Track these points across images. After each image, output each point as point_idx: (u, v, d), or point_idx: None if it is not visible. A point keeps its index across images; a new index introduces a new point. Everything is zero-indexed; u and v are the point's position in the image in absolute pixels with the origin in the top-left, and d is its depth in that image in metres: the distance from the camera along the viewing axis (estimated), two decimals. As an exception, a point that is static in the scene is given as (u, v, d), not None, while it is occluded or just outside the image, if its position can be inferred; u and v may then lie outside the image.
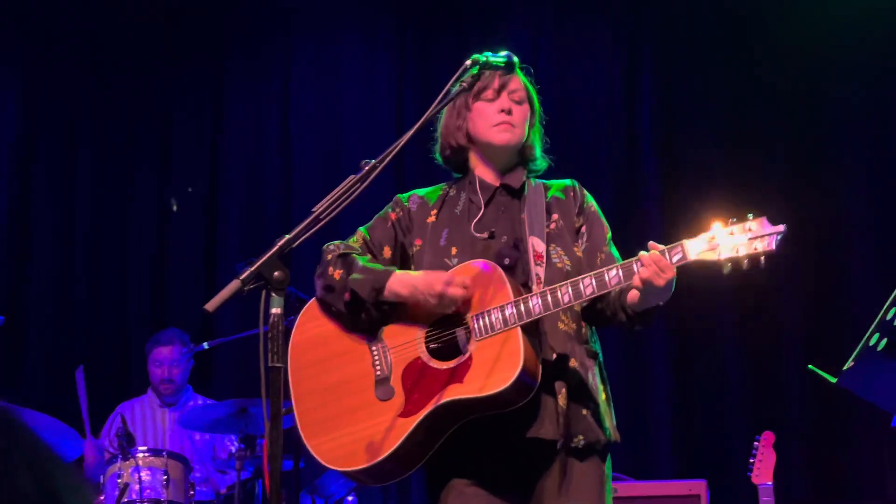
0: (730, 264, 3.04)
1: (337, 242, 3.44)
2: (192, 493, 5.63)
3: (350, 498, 5.83)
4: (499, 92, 3.41)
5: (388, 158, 3.03)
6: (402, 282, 3.26)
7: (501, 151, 3.45)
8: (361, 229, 3.49)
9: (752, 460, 5.00)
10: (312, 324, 3.42)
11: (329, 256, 3.38)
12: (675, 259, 3.07)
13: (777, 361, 6.85)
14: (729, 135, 7.13)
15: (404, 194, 3.53)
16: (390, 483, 3.41)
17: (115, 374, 7.53)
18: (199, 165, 7.93)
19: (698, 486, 5.19)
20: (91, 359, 7.43)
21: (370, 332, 3.35)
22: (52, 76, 7.88)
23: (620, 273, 3.12)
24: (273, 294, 2.84)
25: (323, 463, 3.32)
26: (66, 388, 6.09)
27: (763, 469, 4.98)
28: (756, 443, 5.04)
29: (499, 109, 3.40)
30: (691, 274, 3.12)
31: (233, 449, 5.70)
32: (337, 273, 3.33)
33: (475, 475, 3.25)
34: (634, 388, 6.92)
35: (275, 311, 2.83)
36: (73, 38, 7.88)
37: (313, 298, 3.45)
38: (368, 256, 3.40)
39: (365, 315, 3.32)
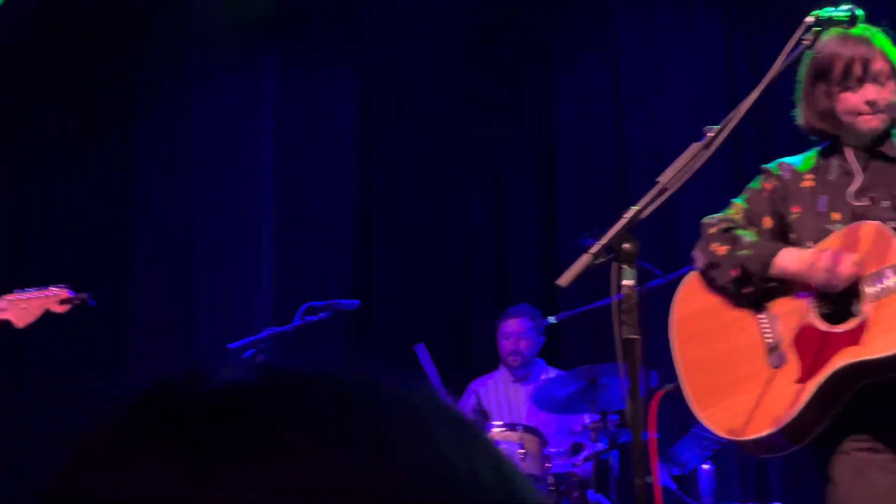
0: None
1: (717, 215, 3.42)
2: (547, 465, 5.73)
3: (706, 466, 5.78)
4: (862, 80, 3.27)
5: (733, 124, 2.99)
6: (792, 258, 3.22)
7: (869, 136, 3.33)
8: (738, 201, 3.44)
9: None
10: (694, 298, 3.42)
11: (712, 230, 3.37)
12: None
13: None
14: None
15: (772, 164, 3.46)
16: (779, 455, 3.36)
17: (460, 353, 7.76)
18: (532, 141, 8.07)
19: None
20: (435, 339, 7.70)
21: (755, 303, 3.32)
22: (385, 72, 8.20)
23: None
24: (624, 266, 2.88)
25: (716, 433, 3.31)
26: (411, 367, 6.29)
27: None
28: None
29: (864, 101, 3.27)
30: None
31: (587, 421, 5.77)
32: (722, 249, 3.31)
33: (869, 439, 3.16)
34: None
35: (626, 282, 2.87)
36: (404, 37, 8.16)
37: (691, 272, 3.45)
38: (752, 230, 3.37)
39: (750, 289, 3.29)
